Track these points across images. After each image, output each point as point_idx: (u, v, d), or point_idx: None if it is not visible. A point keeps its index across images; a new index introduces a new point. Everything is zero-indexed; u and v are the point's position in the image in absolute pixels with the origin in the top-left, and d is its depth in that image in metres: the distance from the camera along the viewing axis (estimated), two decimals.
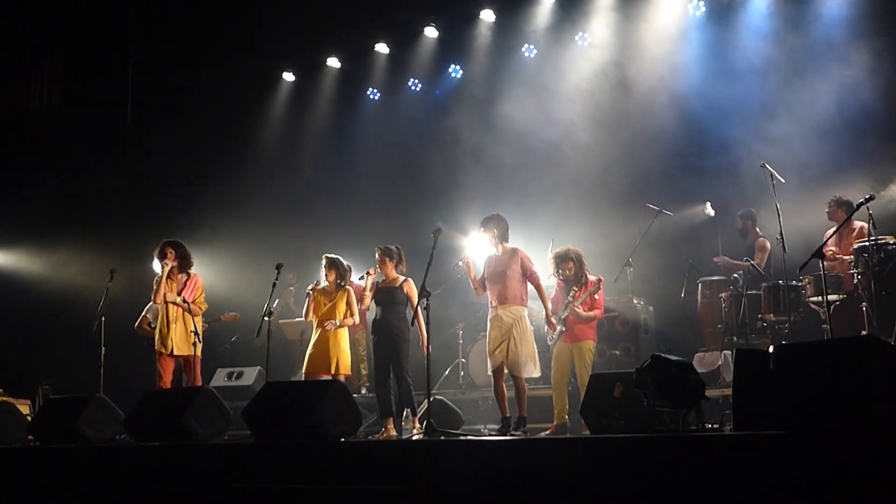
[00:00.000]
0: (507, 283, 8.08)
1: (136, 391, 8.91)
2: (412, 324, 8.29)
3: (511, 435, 7.68)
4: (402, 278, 8.71)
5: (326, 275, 9.16)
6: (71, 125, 14.55)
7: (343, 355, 8.93)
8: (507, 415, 8.08)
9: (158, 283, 9.19)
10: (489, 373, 8.23)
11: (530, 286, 8.28)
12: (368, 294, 8.74)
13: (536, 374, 8.20)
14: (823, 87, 10.13)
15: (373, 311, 8.95)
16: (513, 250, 8.24)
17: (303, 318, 9.42)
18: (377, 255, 8.77)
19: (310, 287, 9.18)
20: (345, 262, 9.36)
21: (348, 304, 9.05)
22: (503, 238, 8.27)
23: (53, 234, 14.06)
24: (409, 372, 8.44)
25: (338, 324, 8.91)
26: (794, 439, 4.26)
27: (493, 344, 8.07)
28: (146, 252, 13.51)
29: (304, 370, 8.97)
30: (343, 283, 9.17)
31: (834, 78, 10.12)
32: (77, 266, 13.89)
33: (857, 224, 8.83)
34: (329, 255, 9.30)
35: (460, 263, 8.19)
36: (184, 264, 9.35)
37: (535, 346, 8.17)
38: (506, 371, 8.11)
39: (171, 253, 9.27)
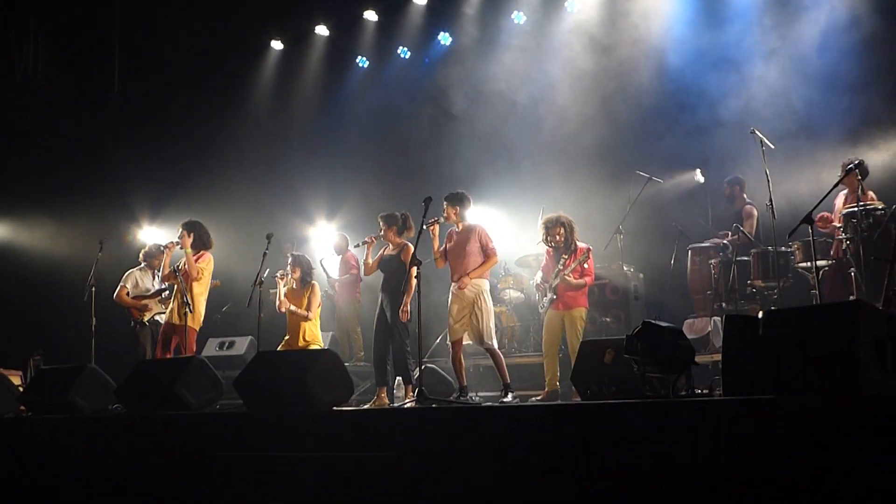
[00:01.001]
0: (467, 258, 8.17)
1: (127, 361, 8.93)
2: (402, 290, 8.27)
3: (501, 402, 7.72)
4: (403, 244, 8.68)
5: (291, 272, 9.24)
6: (58, 95, 14.42)
7: (313, 347, 9.12)
8: (465, 384, 8.19)
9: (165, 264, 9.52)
10: (448, 343, 8.34)
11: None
12: (369, 262, 8.75)
13: (494, 344, 8.27)
14: (809, 36, 10.05)
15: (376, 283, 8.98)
16: (471, 227, 8.31)
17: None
18: (380, 223, 8.75)
19: (277, 274, 9.26)
20: (309, 260, 9.54)
21: (309, 301, 9.21)
22: (464, 217, 8.34)
23: (42, 206, 13.96)
24: (406, 342, 8.42)
25: (298, 311, 9.12)
26: (783, 404, 4.29)
27: (456, 317, 8.17)
28: (135, 222, 13.55)
29: None
30: (308, 280, 9.33)
31: (820, 26, 10.03)
32: (66, 237, 13.82)
33: (869, 192, 8.64)
34: (294, 253, 9.42)
35: (424, 227, 8.04)
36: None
37: (494, 319, 8.31)
38: (464, 343, 8.25)
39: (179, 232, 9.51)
